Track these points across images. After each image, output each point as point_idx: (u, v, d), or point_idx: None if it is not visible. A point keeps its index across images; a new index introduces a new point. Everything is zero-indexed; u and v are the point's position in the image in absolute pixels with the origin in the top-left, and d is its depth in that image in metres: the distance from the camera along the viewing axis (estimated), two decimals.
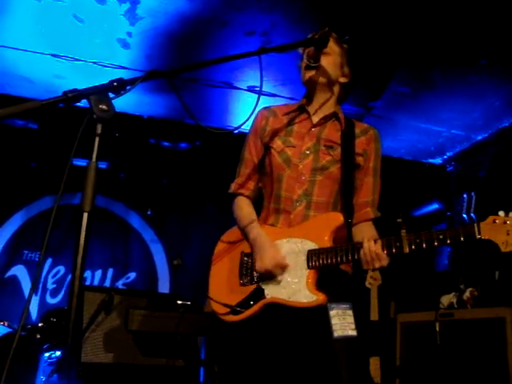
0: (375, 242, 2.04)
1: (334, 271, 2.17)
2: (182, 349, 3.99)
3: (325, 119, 2.35)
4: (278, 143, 2.33)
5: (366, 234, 2.20)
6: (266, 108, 2.49)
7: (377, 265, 2.03)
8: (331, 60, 2.35)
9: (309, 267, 2.12)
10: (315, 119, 2.35)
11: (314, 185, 2.24)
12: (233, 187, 2.44)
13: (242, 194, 2.41)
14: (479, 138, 5.73)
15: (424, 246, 1.99)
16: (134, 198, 6.32)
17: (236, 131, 2.27)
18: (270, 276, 2.16)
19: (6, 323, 4.18)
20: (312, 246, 2.15)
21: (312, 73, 2.33)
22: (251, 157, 2.42)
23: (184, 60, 4.52)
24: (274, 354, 2.18)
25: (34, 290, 5.35)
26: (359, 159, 2.31)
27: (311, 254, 2.13)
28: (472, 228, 1.92)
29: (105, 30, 4.29)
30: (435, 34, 4.14)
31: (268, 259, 2.15)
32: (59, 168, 5.29)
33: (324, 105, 2.38)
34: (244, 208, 2.38)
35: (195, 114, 5.46)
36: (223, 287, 2.30)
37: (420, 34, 4.15)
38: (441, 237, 1.96)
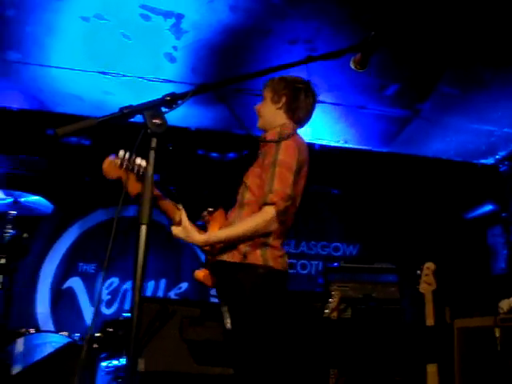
0: None
1: None
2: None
3: None
4: None
5: None
6: None
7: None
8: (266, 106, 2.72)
9: None
10: None
11: None
12: None
13: None
14: None
15: None
16: (184, 209, 6.39)
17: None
18: None
19: (66, 333, 4.31)
20: None
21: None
22: None
23: (229, 70, 4.58)
24: None
25: (98, 303, 5.54)
26: None
27: None
28: None
29: (151, 45, 4.39)
30: (483, 33, 4.05)
31: None
32: (112, 182, 5.42)
33: None
34: None
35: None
36: None
37: (467, 33, 4.07)
38: None
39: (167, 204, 2.58)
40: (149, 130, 1.58)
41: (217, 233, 2.51)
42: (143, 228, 1.51)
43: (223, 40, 4.29)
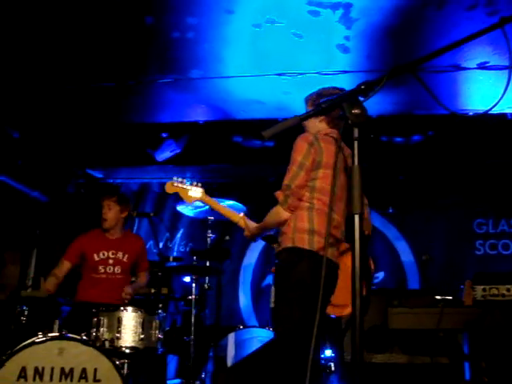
0: None
1: None
2: (444, 345, 3.87)
3: None
4: None
5: None
6: None
7: None
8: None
9: None
10: None
11: None
12: None
13: None
14: None
15: None
16: (372, 197, 6.32)
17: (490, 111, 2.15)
18: None
19: (270, 328, 4.52)
20: None
21: None
22: None
23: (404, 51, 4.43)
24: None
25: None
26: None
27: None
28: None
29: (323, 39, 4.41)
30: None
31: None
32: None
33: None
34: None
35: (425, 104, 5.28)
36: None
37: None
38: None
39: (229, 211, 3.44)
40: (349, 121, 1.59)
41: (258, 224, 3.12)
42: (357, 218, 1.52)
43: (395, 20, 4.14)
